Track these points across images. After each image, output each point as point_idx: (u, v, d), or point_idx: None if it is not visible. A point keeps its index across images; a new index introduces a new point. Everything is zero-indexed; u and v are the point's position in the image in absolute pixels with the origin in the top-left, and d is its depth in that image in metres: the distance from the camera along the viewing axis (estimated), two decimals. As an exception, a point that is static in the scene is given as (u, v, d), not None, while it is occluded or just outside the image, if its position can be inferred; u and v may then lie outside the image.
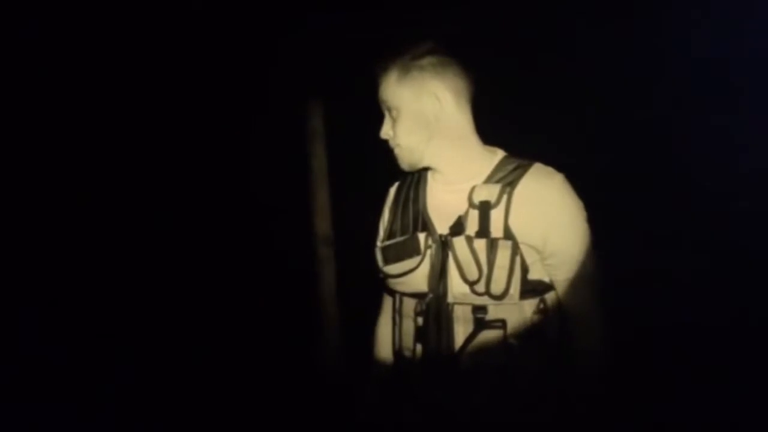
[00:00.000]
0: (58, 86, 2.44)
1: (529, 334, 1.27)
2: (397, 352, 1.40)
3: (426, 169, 1.40)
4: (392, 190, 1.48)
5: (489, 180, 1.31)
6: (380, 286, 1.50)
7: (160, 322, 2.60)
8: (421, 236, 1.31)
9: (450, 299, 1.27)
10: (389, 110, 1.35)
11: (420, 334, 1.32)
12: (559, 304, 1.33)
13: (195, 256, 2.71)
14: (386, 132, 1.37)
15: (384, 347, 1.51)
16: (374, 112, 1.41)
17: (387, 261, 1.35)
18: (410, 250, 1.32)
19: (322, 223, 2.46)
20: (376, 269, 1.40)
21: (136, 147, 2.62)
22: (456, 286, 1.26)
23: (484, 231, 1.26)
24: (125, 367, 2.47)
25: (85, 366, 2.41)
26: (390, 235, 1.39)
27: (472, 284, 1.25)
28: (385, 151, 1.40)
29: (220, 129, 2.73)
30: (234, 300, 2.74)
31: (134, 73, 2.54)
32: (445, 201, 1.34)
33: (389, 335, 1.46)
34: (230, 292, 2.74)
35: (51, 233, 2.47)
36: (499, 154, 1.37)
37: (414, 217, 1.36)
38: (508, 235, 1.25)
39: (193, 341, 2.62)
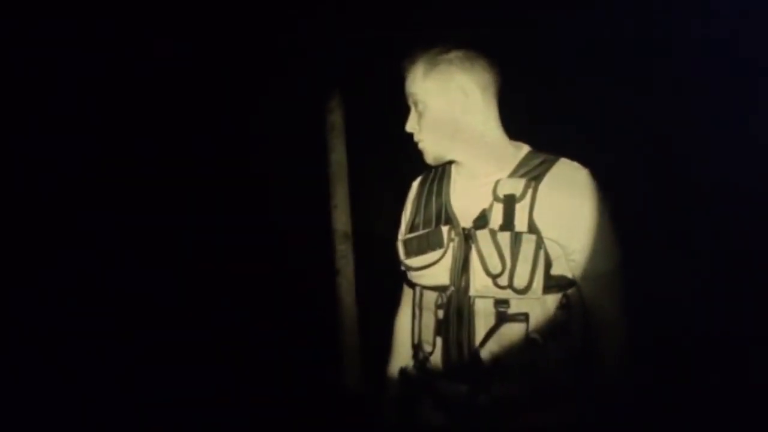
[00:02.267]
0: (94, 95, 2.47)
1: (552, 328, 1.26)
2: (417, 345, 1.39)
3: (450, 163, 1.40)
4: (415, 184, 1.48)
5: (514, 174, 1.31)
6: (400, 279, 1.50)
7: (178, 317, 2.61)
8: (445, 229, 1.31)
9: (472, 292, 1.27)
10: (415, 104, 1.35)
11: (440, 327, 1.31)
12: (582, 301, 1.32)
13: (209, 252, 2.72)
14: (412, 126, 1.37)
15: (403, 341, 1.51)
16: (394, 107, 1.41)
17: (409, 254, 1.35)
18: (433, 242, 1.32)
19: (341, 218, 2.46)
20: (398, 262, 1.40)
21: (153, 144, 2.63)
22: (478, 279, 1.26)
23: (508, 224, 1.26)
24: (140, 369, 2.48)
25: (98, 369, 2.43)
26: (412, 228, 1.39)
27: (494, 277, 1.24)
28: (405, 146, 1.40)
29: (239, 124, 2.74)
30: (251, 296, 2.75)
31: (153, 68, 2.56)
32: (469, 195, 1.34)
33: (408, 328, 1.46)
34: (247, 288, 2.75)
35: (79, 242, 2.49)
36: (525, 148, 1.36)
37: (437, 210, 1.36)
38: (533, 229, 1.25)
39: (208, 336, 2.63)
